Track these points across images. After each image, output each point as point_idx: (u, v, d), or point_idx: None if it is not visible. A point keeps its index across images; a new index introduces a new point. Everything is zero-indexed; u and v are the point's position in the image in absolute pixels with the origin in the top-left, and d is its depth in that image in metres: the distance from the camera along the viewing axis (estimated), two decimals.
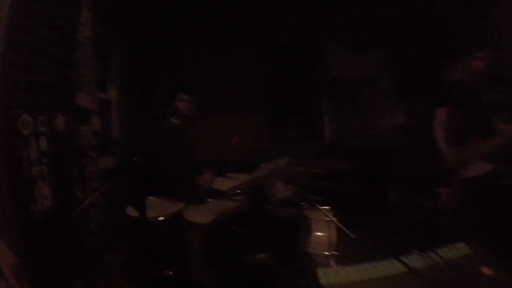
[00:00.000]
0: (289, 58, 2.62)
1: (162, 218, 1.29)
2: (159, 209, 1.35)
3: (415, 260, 0.62)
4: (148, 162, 1.32)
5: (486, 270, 0.61)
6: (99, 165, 1.66)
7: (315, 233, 1.20)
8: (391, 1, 2.29)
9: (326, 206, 1.29)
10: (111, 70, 2.15)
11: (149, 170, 1.44)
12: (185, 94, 1.70)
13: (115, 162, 1.78)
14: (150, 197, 1.45)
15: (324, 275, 0.63)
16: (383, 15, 2.46)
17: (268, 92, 2.58)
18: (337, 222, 1.13)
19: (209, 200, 1.50)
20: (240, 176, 1.70)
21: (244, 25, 2.41)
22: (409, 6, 2.32)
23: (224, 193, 1.53)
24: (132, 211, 1.31)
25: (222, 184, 1.60)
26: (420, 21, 2.48)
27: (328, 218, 1.19)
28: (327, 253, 1.12)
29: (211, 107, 2.30)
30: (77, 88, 1.58)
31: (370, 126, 2.48)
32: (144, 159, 1.13)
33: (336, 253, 1.11)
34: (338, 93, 2.67)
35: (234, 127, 2.26)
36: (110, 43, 2.10)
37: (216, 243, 1.18)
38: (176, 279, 1.30)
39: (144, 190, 1.41)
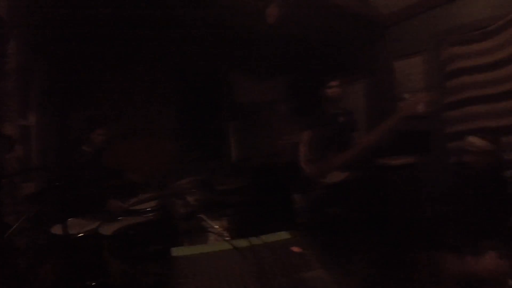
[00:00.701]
0: (198, 85, 3.00)
1: (81, 235, 1.56)
2: (78, 227, 1.61)
3: (243, 242, 0.99)
4: (67, 186, 1.52)
5: (295, 249, 0.92)
6: (23, 191, 1.76)
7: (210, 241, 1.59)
8: (283, 40, 2.88)
9: (225, 217, 1.71)
10: (32, 97, 2.20)
11: (69, 193, 1.63)
12: (101, 129, 1.94)
13: (38, 187, 1.88)
14: (70, 218, 1.66)
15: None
16: (281, 48, 3.07)
17: (179, 116, 2.90)
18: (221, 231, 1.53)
19: (121, 218, 1.77)
20: (150, 196, 2.01)
21: (157, 54, 2.70)
22: (302, 42, 2.96)
23: (136, 211, 1.82)
24: (56, 230, 1.51)
25: (132, 202, 1.89)
26: (310, 53, 3.17)
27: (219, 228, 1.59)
28: None
29: (125, 132, 2.50)
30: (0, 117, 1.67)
31: (271, 145, 3.05)
32: (63, 183, 1.35)
33: None
34: (243, 116, 3.17)
35: (147, 150, 2.53)
36: (33, 72, 2.16)
37: (119, 250, 1.46)
38: None
39: (66, 211, 1.59)
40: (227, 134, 3.14)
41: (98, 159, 2.00)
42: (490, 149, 1.48)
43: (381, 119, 1.73)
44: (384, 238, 1.88)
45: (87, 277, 1.57)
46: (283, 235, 1.06)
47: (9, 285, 1.44)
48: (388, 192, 2.20)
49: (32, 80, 2.20)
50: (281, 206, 2.13)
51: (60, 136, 2.30)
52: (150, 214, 1.84)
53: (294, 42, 2.92)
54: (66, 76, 2.42)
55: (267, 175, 2.54)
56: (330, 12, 2.44)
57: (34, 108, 2.23)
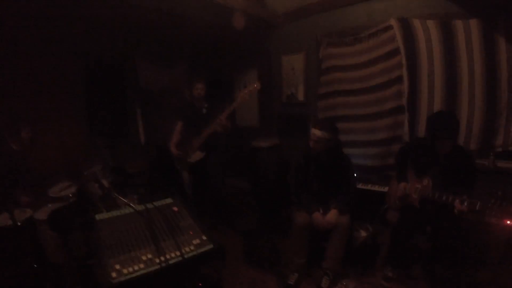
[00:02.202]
0: (106, 74, 3.31)
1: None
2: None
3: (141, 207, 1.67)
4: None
5: (175, 208, 1.70)
6: None
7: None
8: (187, 29, 3.37)
9: (135, 195, 2.33)
10: None
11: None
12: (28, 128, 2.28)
13: None
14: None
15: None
16: (184, 39, 3.57)
17: (88, 105, 3.21)
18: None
19: (49, 204, 2.24)
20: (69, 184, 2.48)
21: (65, 43, 2.92)
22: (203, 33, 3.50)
23: (60, 197, 2.30)
24: None
25: (56, 191, 2.36)
26: (210, 45, 3.78)
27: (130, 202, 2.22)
28: None
29: (36, 121, 2.74)
30: None
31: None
32: None
33: None
34: (148, 102, 3.66)
35: (58, 139, 2.86)
36: None
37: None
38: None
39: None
40: (135, 119, 3.60)
41: (24, 156, 2.36)
42: (326, 137, 2.23)
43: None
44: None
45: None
46: (168, 200, 1.78)
47: None
48: (259, 165, 3.14)
49: None
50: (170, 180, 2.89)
51: None
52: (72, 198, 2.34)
53: (198, 37, 3.47)
54: None
55: (167, 155, 3.18)
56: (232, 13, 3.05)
57: None
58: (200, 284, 1.38)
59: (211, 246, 1.40)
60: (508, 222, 2.09)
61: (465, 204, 1.80)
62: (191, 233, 1.48)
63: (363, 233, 2.39)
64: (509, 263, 2.17)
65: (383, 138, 3.02)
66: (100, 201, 2.24)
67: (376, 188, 2.80)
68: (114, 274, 1.18)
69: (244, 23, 3.12)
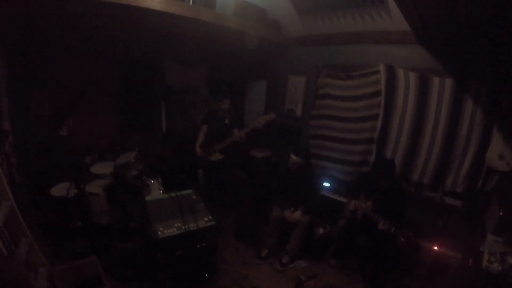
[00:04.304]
0: (137, 72, 4.49)
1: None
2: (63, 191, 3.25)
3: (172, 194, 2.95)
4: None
5: (194, 196, 3.02)
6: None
7: (152, 192, 3.51)
8: (210, 42, 4.51)
9: (158, 178, 3.62)
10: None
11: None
12: (71, 117, 3.50)
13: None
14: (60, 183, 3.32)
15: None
16: (205, 46, 4.69)
17: (121, 99, 4.42)
18: (159, 185, 3.46)
19: (96, 180, 3.53)
20: (108, 164, 3.74)
21: (102, 47, 4.07)
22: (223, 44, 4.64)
23: (102, 175, 3.58)
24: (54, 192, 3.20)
25: (99, 169, 3.64)
26: (228, 55, 4.92)
27: (157, 184, 3.52)
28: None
29: (80, 112, 4.00)
30: None
31: (192, 120, 4.90)
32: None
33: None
34: (171, 97, 4.86)
35: (97, 126, 4.12)
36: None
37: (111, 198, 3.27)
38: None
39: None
40: (160, 111, 4.83)
41: (70, 140, 3.62)
42: (299, 161, 3.51)
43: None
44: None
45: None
46: (190, 191, 3.08)
47: None
48: (253, 169, 4.42)
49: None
50: (189, 173, 4.20)
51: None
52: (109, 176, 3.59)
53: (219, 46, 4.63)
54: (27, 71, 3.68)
55: (186, 147, 4.46)
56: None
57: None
58: (204, 244, 2.68)
59: (213, 222, 2.68)
60: (436, 248, 3.16)
61: (385, 226, 3.05)
62: (202, 213, 2.77)
63: (321, 230, 3.68)
64: (434, 277, 3.25)
65: (356, 160, 4.22)
66: (132, 179, 3.51)
67: (341, 199, 4.04)
68: (159, 233, 2.48)
69: (258, 44, 4.26)
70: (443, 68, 3.42)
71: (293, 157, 3.52)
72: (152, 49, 4.31)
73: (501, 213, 2.97)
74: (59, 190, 3.24)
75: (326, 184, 4.24)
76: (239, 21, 3.96)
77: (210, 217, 2.70)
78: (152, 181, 3.45)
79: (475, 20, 2.48)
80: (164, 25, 3.72)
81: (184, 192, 2.91)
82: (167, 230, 2.46)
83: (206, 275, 2.72)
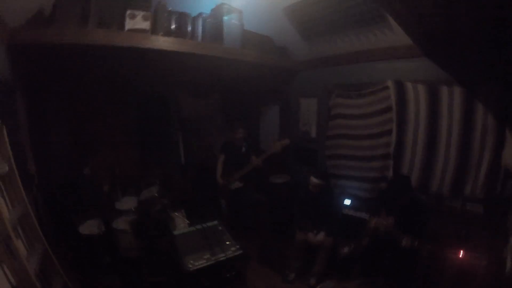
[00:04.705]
0: (154, 106, 4.80)
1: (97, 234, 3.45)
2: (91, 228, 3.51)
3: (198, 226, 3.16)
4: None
5: (220, 227, 3.26)
6: None
7: (177, 225, 3.72)
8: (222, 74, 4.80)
9: (182, 210, 3.84)
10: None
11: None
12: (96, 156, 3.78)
13: None
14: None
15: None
16: (216, 76, 4.99)
17: (140, 131, 4.71)
18: (184, 218, 3.67)
19: (122, 216, 3.77)
20: (132, 199, 3.97)
21: (119, 85, 4.40)
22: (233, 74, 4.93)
23: (127, 210, 3.82)
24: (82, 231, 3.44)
25: (124, 205, 3.88)
26: (240, 83, 5.21)
27: (181, 216, 3.73)
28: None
29: (101, 149, 4.29)
30: None
31: (210, 149, 5.14)
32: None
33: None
34: (188, 128, 5.15)
35: (118, 162, 4.40)
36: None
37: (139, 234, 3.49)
38: None
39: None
40: (177, 143, 5.11)
41: (93, 177, 3.90)
42: (320, 183, 3.71)
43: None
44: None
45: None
46: (215, 222, 3.28)
47: None
48: (274, 195, 4.61)
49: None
50: (212, 203, 4.41)
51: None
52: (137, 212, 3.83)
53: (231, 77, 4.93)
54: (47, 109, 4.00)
55: (206, 176, 4.69)
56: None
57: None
58: (233, 273, 2.85)
59: (241, 251, 2.86)
60: (460, 256, 3.20)
61: (407, 242, 3.15)
62: (229, 243, 2.95)
63: (346, 249, 3.77)
64: (460, 287, 3.25)
65: (373, 177, 4.33)
66: (157, 213, 3.73)
67: (363, 216, 4.14)
68: (190, 266, 2.67)
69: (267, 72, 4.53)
70: (451, 77, 3.48)
71: (313, 179, 3.70)
72: (166, 84, 4.62)
73: None
74: (87, 228, 3.47)
75: (347, 203, 4.34)
76: (246, 52, 4.23)
77: (238, 246, 2.87)
78: (176, 213, 3.66)
79: (478, 28, 2.62)
80: (176, 61, 4.03)
81: (209, 223, 3.09)
82: (197, 262, 2.64)
83: None
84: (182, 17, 3.80)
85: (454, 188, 3.66)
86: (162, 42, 3.49)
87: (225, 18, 4.20)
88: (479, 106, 3.36)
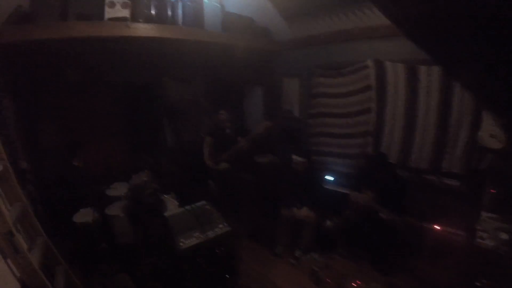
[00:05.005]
0: (140, 94, 4.89)
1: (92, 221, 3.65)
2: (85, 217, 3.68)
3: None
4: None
5: (207, 206, 3.47)
6: None
7: (168, 207, 3.92)
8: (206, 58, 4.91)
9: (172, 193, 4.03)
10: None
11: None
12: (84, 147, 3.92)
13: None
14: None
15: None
16: (199, 60, 5.09)
17: (128, 121, 4.82)
18: (174, 200, 3.87)
19: (114, 203, 3.94)
20: (122, 185, 4.14)
21: (104, 76, 4.46)
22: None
23: (118, 197, 4.00)
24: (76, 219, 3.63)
25: (115, 192, 4.05)
26: (223, 65, 5.32)
27: (171, 198, 3.93)
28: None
29: (90, 140, 4.40)
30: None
31: (196, 133, 5.30)
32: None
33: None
34: (174, 113, 5.28)
35: (108, 151, 4.53)
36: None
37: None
38: None
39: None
40: (164, 128, 5.25)
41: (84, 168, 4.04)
42: (302, 161, 3.94)
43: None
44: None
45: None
46: (203, 202, 3.49)
47: None
48: (259, 173, 4.84)
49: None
50: (200, 184, 4.62)
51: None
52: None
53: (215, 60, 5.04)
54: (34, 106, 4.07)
55: (193, 158, 4.87)
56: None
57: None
58: (222, 249, 3.09)
59: (229, 228, 3.09)
60: (438, 227, 3.62)
61: (386, 214, 3.43)
62: (218, 221, 3.16)
63: (329, 223, 4.07)
64: (439, 256, 3.61)
65: (354, 153, 4.56)
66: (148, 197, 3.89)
67: (345, 190, 4.41)
68: (181, 244, 2.89)
69: (248, 53, 4.66)
70: (430, 58, 3.72)
71: (296, 158, 3.93)
72: (150, 71, 4.70)
73: (492, 191, 3.33)
74: (81, 216, 3.62)
75: (330, 178, 4.60)
76: (228, 35, 4.34)
77: (226, 223, 3.09)
78: (166, 196, 3.86)
79: (456, 9, 2.76)
80: (159, 48, 4.12)
81: (198, 204, 3.30)
82: (188, 240, 2.86)
83: (227, 276, 3.12)
84: (161, 2, 3.83)
85: (432, 164, 3.91)
86: (142, 30, 3.56)
87: (206, 1, 4.27)
88: (457, 86, 3.53)
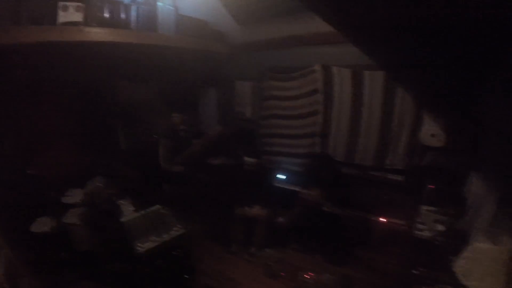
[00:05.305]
0: (91, 94, 4.84)
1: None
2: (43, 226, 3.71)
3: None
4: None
5: (163, 211, 3.65)
6: None
7: (124, 212, 4.01)
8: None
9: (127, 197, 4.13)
10: None
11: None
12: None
13: None
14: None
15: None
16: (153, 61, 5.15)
17: (80, 123, 4.76)
18: (130, 204, 3.98)
19: (71, 210, 3.96)
20: (77, 191, 4.17)
21: (55, 79, 4.36)
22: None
23: (74, 204, 4.03)
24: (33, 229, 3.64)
25: (70, 199, 4.07)
26: (177, 67, 5.42)
27: (127, 203, 4.04)
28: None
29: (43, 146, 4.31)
30: None
31: (150, 136, 5.39)
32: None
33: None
34: (127, 115, 5.31)
35: (63, 156, 4.47)
36: None
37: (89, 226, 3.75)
38: None
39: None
40: (118, 130, 5.26)
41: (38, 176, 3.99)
42: (253, 162, 4.26)
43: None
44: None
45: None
46: (158, 207, 3.66)
47: None
48: (214, 178, 5.07)
49: None
50: (155, 187, 4.75)
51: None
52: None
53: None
54: None
55: (148, 161, 4.97)
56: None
57: None
58: (179, 250, 3.30)
59: (184, 230, 3.30)
60: (383, 220, 4.01)
61: (329, 208, 3.80)
62: (172, 224, 3.37)
63: (281, 219, 4.41)
64: (385, 246, 4.01)
65: (304, 153, 4.88)
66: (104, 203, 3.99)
67: (296, 188, 4.74)
68: (139, 248, 3.06)
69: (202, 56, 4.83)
70: (374, 62, 4.10)
71: (247, 159, 4.18)
72: (104, 72, 4.70)
73: (431, 186, 3.79)
74: (39, 226, 3.57)
75: (282, 177, 4.91)
76: (181, 38, 4.47)
77: (180, 226, 3.29)
78: (122, 201, 3.96)
79: (395, 16, 3.10)
80: (112, 49, 4.15)
81: (153, 208, 3.47)
82: (145, 244, 3.03)
83: (186, 276, 3.33)
84: (115, 5, 3.85)
85: (376, 161, 4.33)
86: (95, 34, 3.58)
87: (160, 3, 4.35)
88: (399, 89, 3.94)
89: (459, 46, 3.23)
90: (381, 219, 4.04)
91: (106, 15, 3.77)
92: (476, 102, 3.37)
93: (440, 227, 3.16)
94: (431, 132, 3.72)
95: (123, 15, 3.96)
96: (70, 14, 3.42)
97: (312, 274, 3.67)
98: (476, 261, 1.91)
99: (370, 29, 3.04)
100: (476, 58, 3.35)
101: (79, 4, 3.45)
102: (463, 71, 3.36)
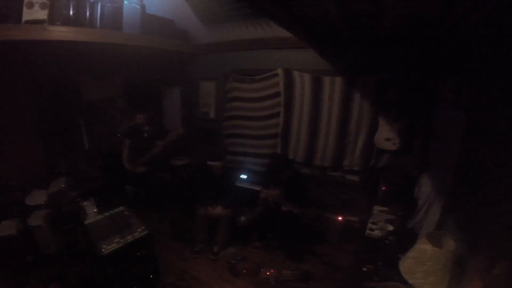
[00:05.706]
0: (52, 91, 4.79)
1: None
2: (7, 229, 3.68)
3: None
4: None
5: (126, 212, 3.78)
6: None
7: (88, 214, 4.07)
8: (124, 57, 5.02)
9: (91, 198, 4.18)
10: None
11: None
12: None
13: None
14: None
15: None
16: (118, 59, 5.17)
17: (42, 121, 4.68)
18: (93, 206, 4.06)
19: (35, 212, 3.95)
20: (41, 193, 4.17)
21: (14, 75, 4.28)
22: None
23: (38, 205, 4.00)
24: None
25: (33, 200, 4.05)
26: (142, 66, 5.48)
27: (91, 205, 4.11)
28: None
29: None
30: None
31: (114, 134, 5.43)
32: None
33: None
34: (91, 112, 5.31)
35: (22, 157, 4.38)
36: None
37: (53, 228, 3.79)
38: None
39: None
40: (80, 129, 5.24)
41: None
42: (217, 166, 4.41)
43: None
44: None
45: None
46: (121, 208, 3.78)
47: None
48: (176, 179, 5.24)
49: None
50: (119, 189, 4.83)
51: None
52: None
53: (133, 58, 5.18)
54: None
55: (112, 162, 5.04)
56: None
57: None
58: (143, 251, 3.45)
59: (147, 231, 3.42)
60: (340, 218, 4.40)
61: (287, 207, 4.07)
62: (136, 226, 3.47)
63: (243, 218, 4.62)
64: (343, 242, 4.42)
65: (265, 153, 5.14)
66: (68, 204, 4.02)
67: (258, 188, 4.99)
68: (103, 250, 3.19)
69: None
70: (333, 68, 4.35)
71: (211, 163, 4.38)
72: (65, 69, 4.66)
73: (383, 188, 4.15)
74: (4, 229, 3.50)
75: (244, 177, 5.15)
76: (146, 37, 4.53)
77: (143, 227, 3.41)
78: (85, 203, 4.03)
79: (352, 23, 3.23)
80: (74, 48, 4.16)
81: (116, 210, 3.58)
82: (109, 246, 3.13)
83: (151, 276, 3.46)
84: (80, 3, 3.86)
85: (334, 162, 4.65)
86: (59, 33, 3.58)
87: (126, 2, 4.38)
88: (357, 95, 4.25)
89: (411, 55, 3.60)
90: (339, 216, 4.42)
91: (71, 12, 3.77)
92: (425, 110, 3.81)
93: (390, 227, 3.49)
94: (386, 136, 4.02)
95: (88, 13, 3.97)
96: (35, 12, 3.41)
97: (272, 270, 3.91)
98: (419, 261, 2.12)
99: (329, 38, 3.31)
100: (425, 69, 3.73)
101: (45, 1, 3.44)
102: (414, 81, 3.75)
